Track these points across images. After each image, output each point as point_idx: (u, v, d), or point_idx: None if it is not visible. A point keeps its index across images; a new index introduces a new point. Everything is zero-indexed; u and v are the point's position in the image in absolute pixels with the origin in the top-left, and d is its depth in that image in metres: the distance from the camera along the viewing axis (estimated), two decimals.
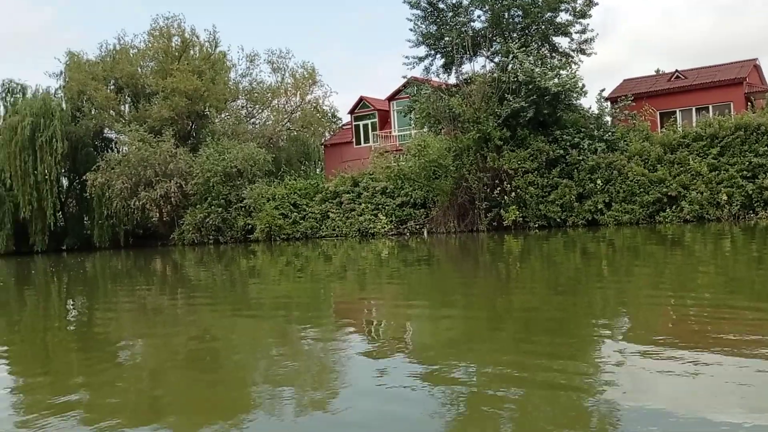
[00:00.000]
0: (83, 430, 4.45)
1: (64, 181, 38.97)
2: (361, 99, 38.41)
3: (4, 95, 37.71)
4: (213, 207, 31.78)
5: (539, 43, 26.66)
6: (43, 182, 34.74)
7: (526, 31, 27.09)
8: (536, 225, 24.28)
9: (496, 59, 27.55)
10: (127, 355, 7.38)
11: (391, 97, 36.90)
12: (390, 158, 30.10)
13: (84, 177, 34.96)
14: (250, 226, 30.99)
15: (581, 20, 26.67)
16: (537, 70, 23.99)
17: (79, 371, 6.47)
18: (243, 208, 31.31)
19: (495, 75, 25.82)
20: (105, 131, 39.15)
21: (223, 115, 38.89)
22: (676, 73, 29.99)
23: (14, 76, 49.34)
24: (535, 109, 24.18)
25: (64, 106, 37.71)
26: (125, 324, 9.69)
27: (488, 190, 25.22)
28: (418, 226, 27.54)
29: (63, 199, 38.74)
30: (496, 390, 4.64)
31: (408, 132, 32.36)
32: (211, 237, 32.09)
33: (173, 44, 38.28)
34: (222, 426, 4.40)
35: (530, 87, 23.94)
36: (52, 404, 5.11)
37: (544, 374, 5.01)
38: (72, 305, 12.87)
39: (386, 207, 28.19)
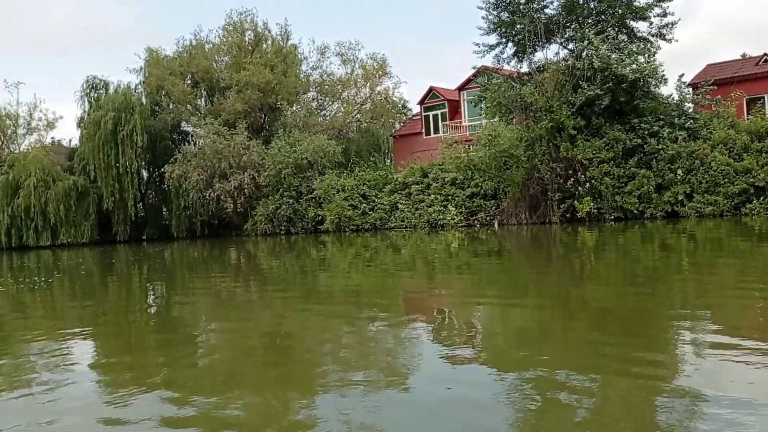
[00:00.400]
0: (163, 405, 4.62)
1: (144, 173, 40.55)
2: (430, 89, 38.22)
3: (88, 91, 39.40)
4: (284, 198, 32.38)
5: (616, 29, 25.69)
6: (124, 174, 36.25)
7: (602, 16, 26.18)
8: (612, 217, 23.52)
9: (570, 46, 26.80)
10: (203, 338, 7.62)
11: (462, 87, 36.54)
12: (460, 148, 29.82)
13: (162, 169, 36.33)
14: (320, 217, 31.41)
15: (661, 3, 25.55)
16: (613, 56, 23.17)
17: (159, 352, 6.71)
18: (313, 200, 31.76)
19: (569, 62, 25.12)
20: (182, 125, 40.49)
21: (294, 108, 39.52)
22: (765, 57, 28.32)
23: (98, 73, 51.50)
24: (611, 97, 23.37)
25: (144, 100, 39.22)
26: (201, 309, 10.00)
27: (561, 180, 24.59)
28: (488, 218, 27.19)
29: (143, 191, 40.36)
30: (568, 378, 4.50)
31: (478, 122, 31.96)
32: (282, 228, 32.73)
33: (246, 38, 39.17)
34: (292, 403, 4.49)
35: (606, 74, 23.16)
36: (134, 381, 5.32)
37: (619, 363, 4.83)
38: (152, 291, 13.40)
39: (456, 198, 27.96)
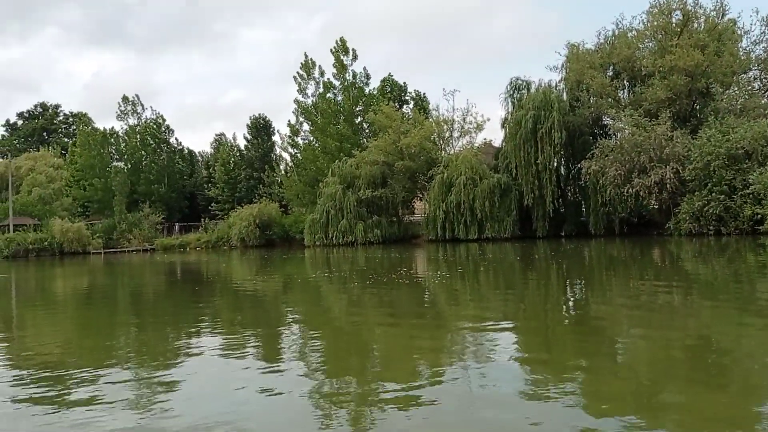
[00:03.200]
0: (581, 413, 4.46)
1: (563, 170, 41.23)
2: None
3: (512, 92, 41.92)
4: (713, 194, 29.01)
5: None
6: (543, 171, 37.47)
7: None
8: None
9: None
10: (623, 345, 7.21)
11: None
12: None
13: (579, 165, 36.37)
14: (758, 216, 27.18)
15: None
16: None
17: (577, 354, 6.58)
18: (750, 196, 27.64)
19: None
20: (603, 119, 39.73)
21: (730, 90, 35.06)
22: None
23: (521, 74, 54.47)
24: None
25: (564, 97, 39.89)
26: (620, 312, 9.54)
27: None
28: None
29: (562, 187, 41.02)
30: None
31: None
32: (710, 227, 29.39)
33: (673, 20, 36.34)
34: None
35: None
36: (553, 382, 5.29)
37: None
38: (570, 289, 13.42)
39: None
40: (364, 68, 54.24)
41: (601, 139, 37.04)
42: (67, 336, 9.66)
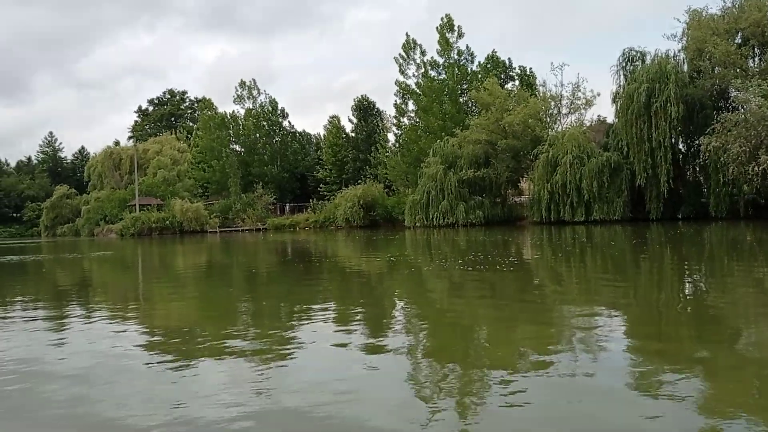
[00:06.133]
0: (702, 408, 4.23)
1: (681, 147, 38.70)
2: None
3: (624, 64, 39.54)
4: None
5: None
6: (657, 148, 35.25)
7: None
8: None
9: None
10: (747, 337, 6.75)
11: None
12: None
13: (698, 141, 34.05)
14: None
15: None
16: None
17: (694, 345, 6.23)
18: None
19: None
20: (728, 90, 36.78)
21: None
22: None
23: (635, 44, 51.64)
24: None
25: (685, 68, 37.31)
26: (744, 302, 8.92)
27: None
28: None
29: (680, 166, 38.50)
30: None
31: None
32: None
33: None
34: None
35: None
36: (666, 372, 5.04)
37: None
38: (686, 276, 12.66)
39: None
40: (467, 46, 53.46)
41: (724, 113, 34.44)
42: (189, 308, 10.33)
